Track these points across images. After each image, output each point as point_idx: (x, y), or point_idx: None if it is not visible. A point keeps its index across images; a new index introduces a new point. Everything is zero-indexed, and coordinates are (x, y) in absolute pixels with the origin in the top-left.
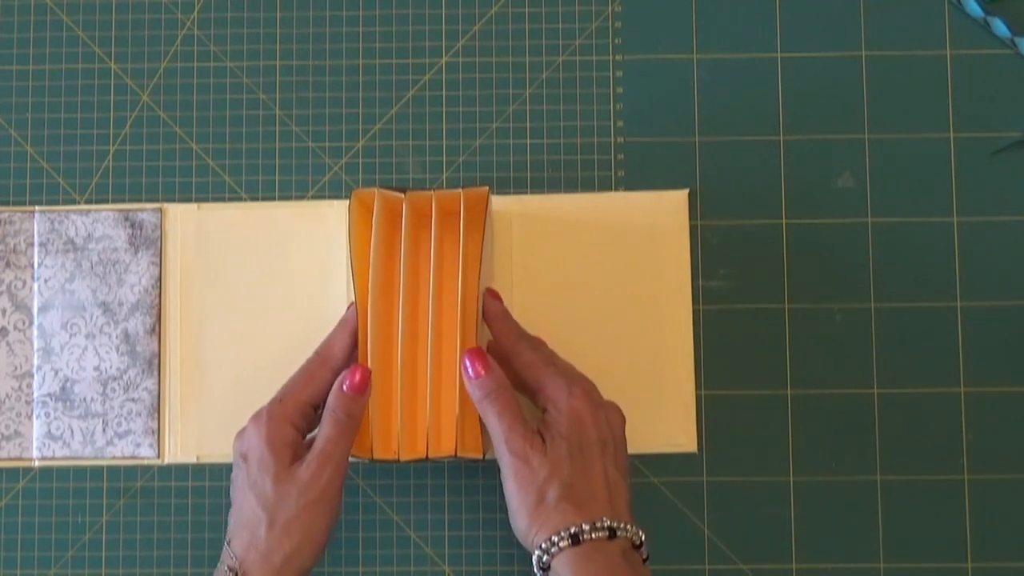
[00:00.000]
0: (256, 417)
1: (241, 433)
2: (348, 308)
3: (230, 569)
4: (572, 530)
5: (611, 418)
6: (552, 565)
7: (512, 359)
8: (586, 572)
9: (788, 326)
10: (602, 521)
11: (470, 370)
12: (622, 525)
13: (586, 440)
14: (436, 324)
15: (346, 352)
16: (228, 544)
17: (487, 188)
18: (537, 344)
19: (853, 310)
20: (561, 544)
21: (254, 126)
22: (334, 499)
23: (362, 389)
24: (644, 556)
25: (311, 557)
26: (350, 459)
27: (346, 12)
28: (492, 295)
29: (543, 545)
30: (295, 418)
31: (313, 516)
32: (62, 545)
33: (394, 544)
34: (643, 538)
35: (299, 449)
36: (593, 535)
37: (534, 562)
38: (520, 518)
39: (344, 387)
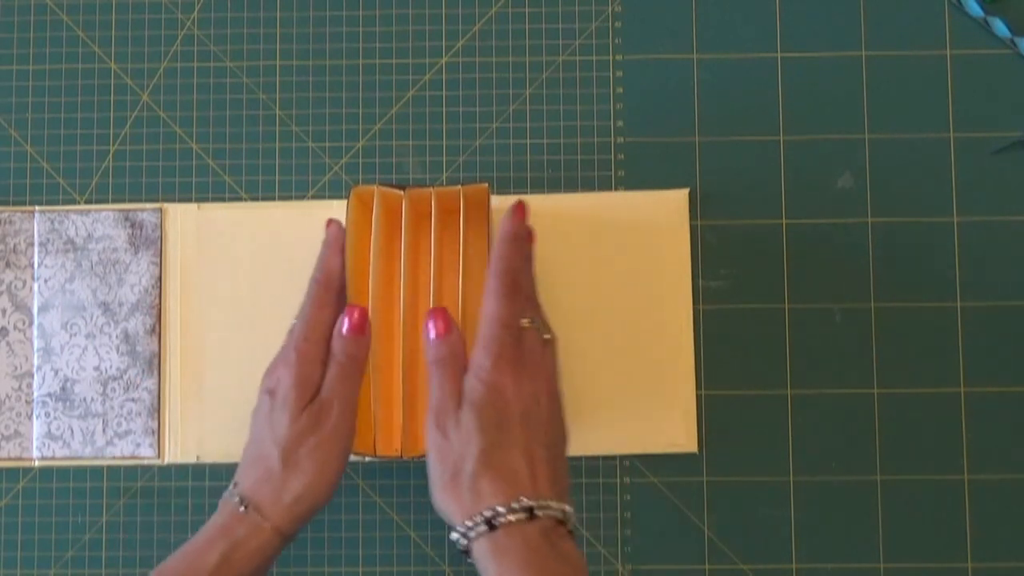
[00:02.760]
0: (285, 356)
1: (272, 370)
2: (328, 226)
3: (242, 501)
4: (487, 514)
5: (538, 388)
6: (471, 550)
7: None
8: (504, 560)
9: (788, 326)
10: (519, 501)
11: (431, 330)
12: (541, 503)
13: (505, 413)
14: None
15: (341, 270)
16: (234, 485)
17: (487, 185)
18: (515, 286)
19: (853, 310)
20: (478, 530)
21: (254, 126)
22: (345, 439)
23: (361, 329)
24: (568, 529)
25: (322, 496)
26: (351, 458)
27: (346, 12)
28: (519, 210)
29: (460, 529)
30: (323, 355)
31: (325, 455)
32: (62, 545)
33: (394, 544)
34: (567, 511)
35: (318, 388)
36: (510, 517)
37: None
38: (435, 494)
39: (344, 331)
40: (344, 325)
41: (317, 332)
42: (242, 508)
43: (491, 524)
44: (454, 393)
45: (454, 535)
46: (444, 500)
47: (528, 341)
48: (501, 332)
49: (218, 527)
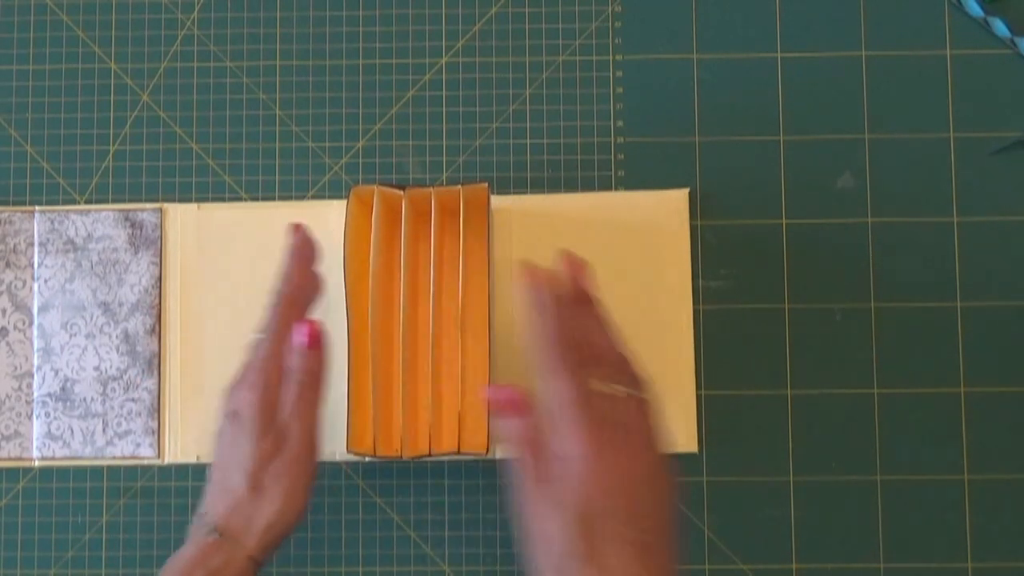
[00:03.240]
0: (248, 376)
1: (234, 390)
2: (294, 233)
3: (214, 529)
4: None
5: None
6: None
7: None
8: None
9: (788, 326)
10: None
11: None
12: None
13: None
14: (437, 320)
15: (307, 284)
16: (203, 514)
17: (486, 185)
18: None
19: (853, 310)
20: None
21: (254, 126)
22: (308, 460)
23: (317, 343)
24: None
25: (294, 521)
26: (351, 459)
27: (346, 12)
28: (574, 267)
29: None
30: (281, 376)
31: (291, 479)
32: (62, 545)
33: (394, 544)
34: None
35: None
36: None
37: None
38: None
39: (299, 346)
40: (300, 340)
41: (280, 355)
42: (215, 536)
43: None
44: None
45: None
46: None
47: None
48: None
49: (192, 558)
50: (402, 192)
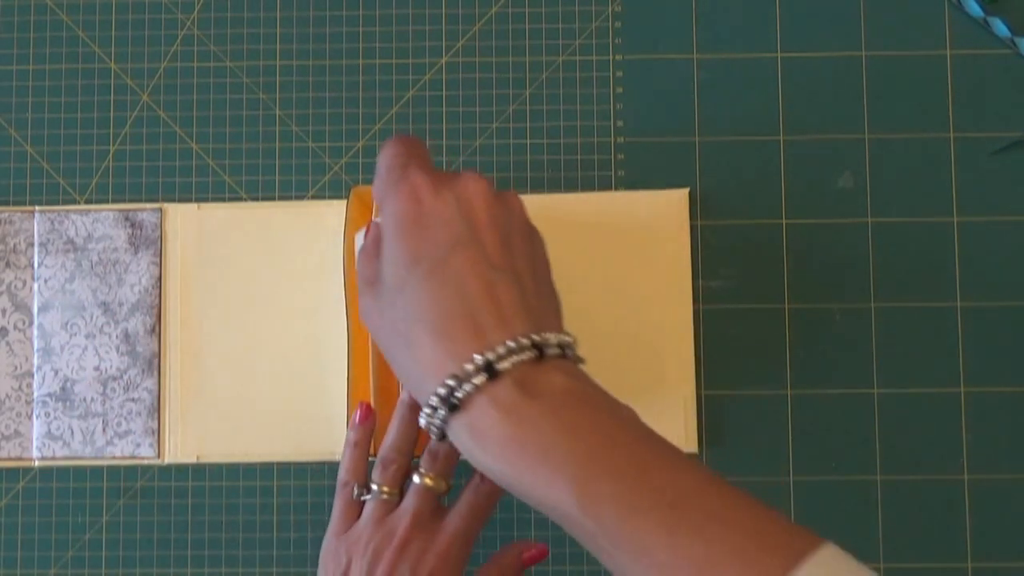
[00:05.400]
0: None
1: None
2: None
3: None
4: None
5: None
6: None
7: None
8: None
9: (788, 326)
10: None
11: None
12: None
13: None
14: None
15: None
16: None
17: None
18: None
19: (853, 310)
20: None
21: (254, 126)
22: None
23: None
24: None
25: None
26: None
27: (346, 12)
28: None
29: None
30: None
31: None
32: (62, 545)
33: None
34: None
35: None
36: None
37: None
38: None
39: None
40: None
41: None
42: None
43: (451, 404)
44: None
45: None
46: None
47: None
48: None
49: None
50: None
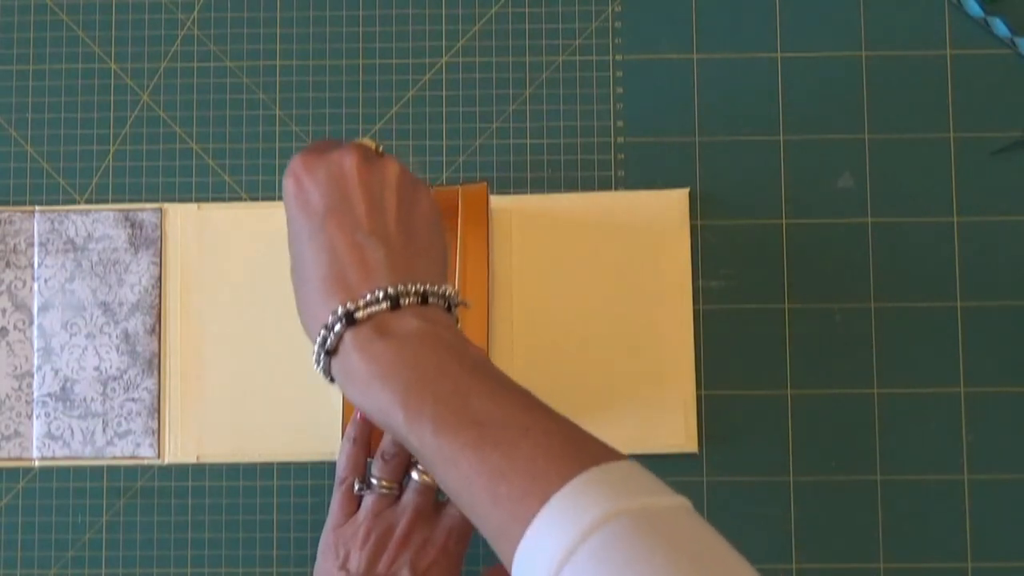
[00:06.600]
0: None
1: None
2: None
3: None
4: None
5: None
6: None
7: None
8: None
9: (788, 326)
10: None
11: None
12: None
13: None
14: None
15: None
16: None
17: (485, 184)
18: None
19: (853, 310)
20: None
21: (254, 126)
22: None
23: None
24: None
25: None
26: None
27: (346, 12)
28: None
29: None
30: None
31: None
32: (62, 545)
33: None
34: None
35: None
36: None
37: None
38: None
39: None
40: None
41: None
42: None
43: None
44: None
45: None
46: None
47: None
48: None
49: None
50: None
